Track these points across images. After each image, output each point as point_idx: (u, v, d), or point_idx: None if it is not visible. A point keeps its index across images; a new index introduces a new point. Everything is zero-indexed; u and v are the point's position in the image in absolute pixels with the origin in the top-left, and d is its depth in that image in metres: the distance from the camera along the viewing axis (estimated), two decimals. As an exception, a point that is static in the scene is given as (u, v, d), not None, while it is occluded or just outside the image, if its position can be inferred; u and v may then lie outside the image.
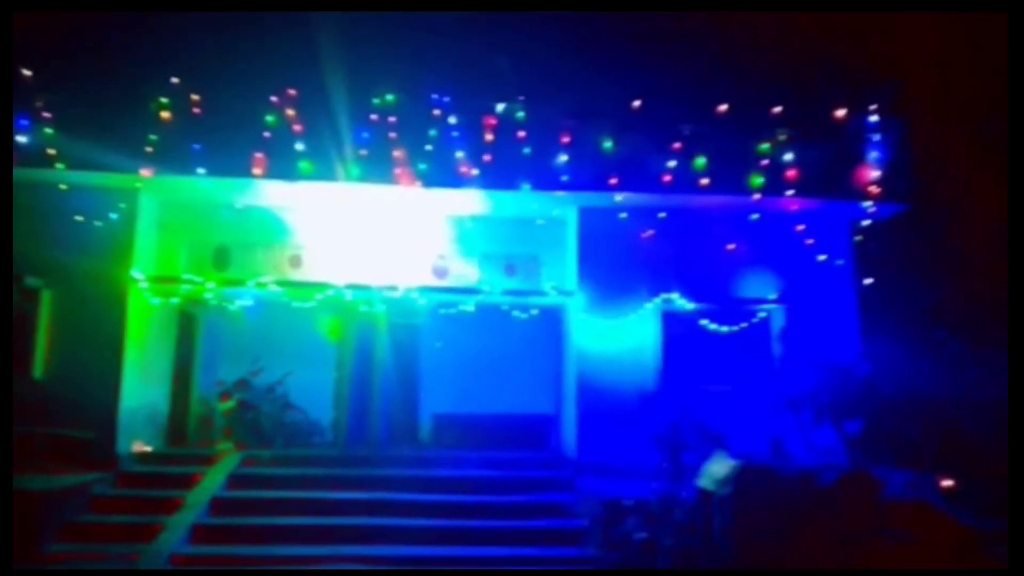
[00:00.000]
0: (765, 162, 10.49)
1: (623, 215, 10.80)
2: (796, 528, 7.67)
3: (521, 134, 10.46)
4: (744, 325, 11.01)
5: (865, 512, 7.85)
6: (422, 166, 10.25)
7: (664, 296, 10.78)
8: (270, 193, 10.73)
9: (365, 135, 10.27)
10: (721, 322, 10.99)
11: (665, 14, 12.46)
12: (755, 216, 10.92)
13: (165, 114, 10.13)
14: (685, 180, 10.44)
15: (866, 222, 11.21)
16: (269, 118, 10.21)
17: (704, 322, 10.95)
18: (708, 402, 10.44)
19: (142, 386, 10.50)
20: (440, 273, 11.33)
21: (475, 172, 10.29)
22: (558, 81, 11.12)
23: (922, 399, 9.66)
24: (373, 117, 10.36)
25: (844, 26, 12.56)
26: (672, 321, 10.91)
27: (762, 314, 11.07)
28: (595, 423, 10.41)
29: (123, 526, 8.61)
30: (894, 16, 12.42)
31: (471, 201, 10.87)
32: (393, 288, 10.76)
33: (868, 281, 11.28)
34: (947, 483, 8.41)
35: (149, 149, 9.96)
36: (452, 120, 10.44)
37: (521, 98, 10.58)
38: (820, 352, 10.42)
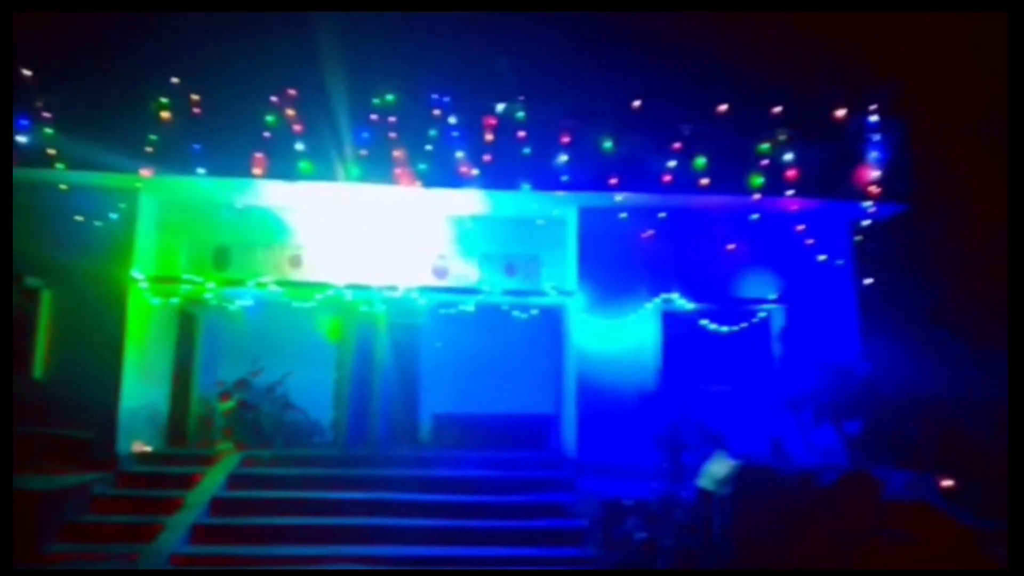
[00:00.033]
0: (765, 162, 10.49)
1: (623, 215, 10.81)
2: (796, 528, 7.67)
3: (521, 134, 10.46)
4: (744, 325, 11.01)
5: (865, 512, 7.85)
6: (422, 166, 10.26)
7: (664, 296, 10.78)
8: (270, 193, 10.73)
9: (365, 135, 10.27)
10: (721, 322, 10.99)
11: (665, 14, 12.46)
12: (755, 216, 10.92)
13: (165, 114, 10.14)
14: (685, 180, 10.44)
15: (866, 222, 11.21)
16: (269, 118, 10.21)
17: (704, 322, 10.95)
18: (708, 402, 10.44)
19: (142, 386, 10.51)
20: (440, 273, 11.33)
21: (475, 172, 10.29)
22: (558, 81, 11.12)
23: (922, 399, 9.66)
24: (373, 117, 10.36)
25: (844, 26, 12.55)
26: (672, 321, 10.91)
27: (762, 314, 11.07)
28: (595, 423, 10.41)
29: (123, 526, 8.61)
30: (894, 16, 12.41)
31: (471, 201, 10.87)
32: (393, 288, 10.76)
33: (868, 281, 11.28)
34: (947, 483, 8.41)
35: (149, 149, 9.96)
36: (452, 120, 10.44)
37: (521, 98, 10.58)
38: (820, 352, 10.42)
